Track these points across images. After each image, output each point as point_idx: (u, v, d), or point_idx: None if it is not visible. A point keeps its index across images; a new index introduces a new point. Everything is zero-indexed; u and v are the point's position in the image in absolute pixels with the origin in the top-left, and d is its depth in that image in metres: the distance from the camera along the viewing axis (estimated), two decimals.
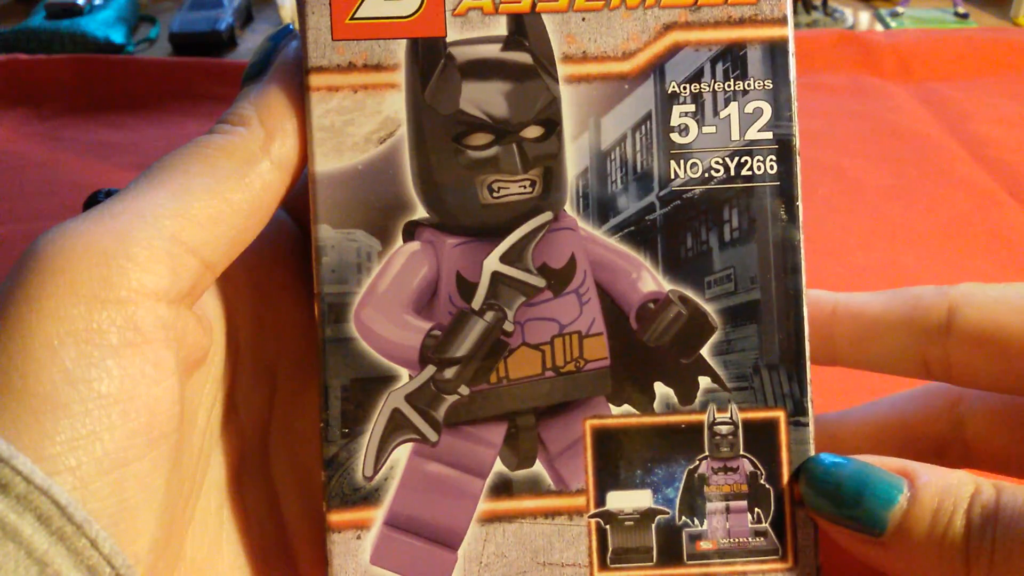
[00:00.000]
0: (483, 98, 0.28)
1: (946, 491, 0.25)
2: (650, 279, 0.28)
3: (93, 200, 0.53)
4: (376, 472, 0.28)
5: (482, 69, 0.28)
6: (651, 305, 0.28)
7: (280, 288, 0.31)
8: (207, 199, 0.25)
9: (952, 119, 0.71)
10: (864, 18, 0.98)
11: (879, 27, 0.96)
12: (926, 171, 0.64)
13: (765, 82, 0.28)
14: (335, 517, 0.28)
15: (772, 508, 0.28)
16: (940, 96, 0.74)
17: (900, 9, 0.96)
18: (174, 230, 0.24)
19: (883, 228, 0.58)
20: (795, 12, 0.94)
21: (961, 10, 0.95)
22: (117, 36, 0.91)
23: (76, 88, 0.78)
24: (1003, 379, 0.29)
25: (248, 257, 0.29)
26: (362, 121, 0.28)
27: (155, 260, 0.24)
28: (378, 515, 0.28)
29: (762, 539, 0.28)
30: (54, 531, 0.21)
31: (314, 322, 0.32)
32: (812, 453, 0.28)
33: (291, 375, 0.31)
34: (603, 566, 0.28)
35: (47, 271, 0.22)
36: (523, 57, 0.28)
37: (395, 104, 0.28)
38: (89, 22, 0.90)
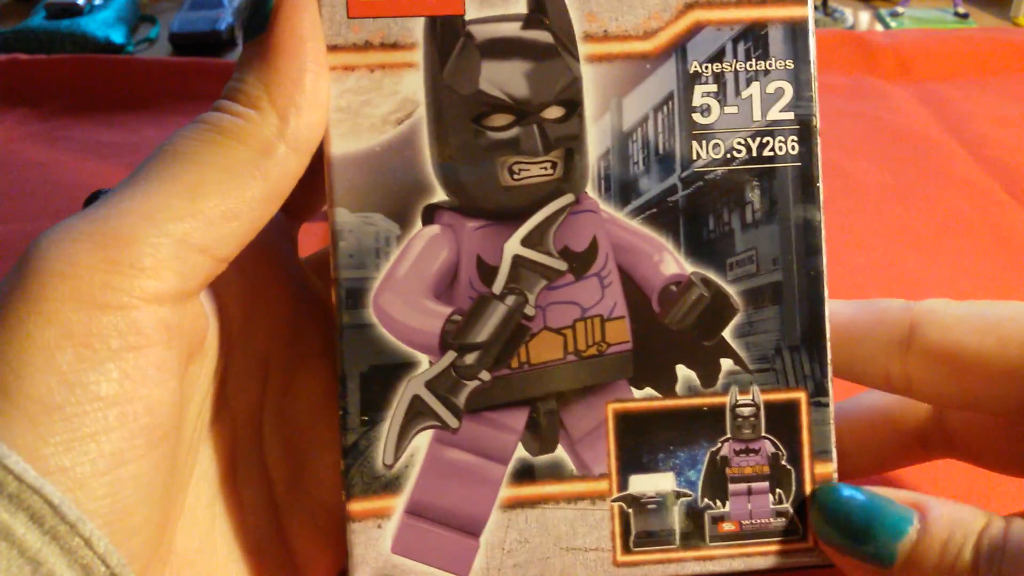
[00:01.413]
0: (503, 78, 0.27)
1: (957, 524, 0.25)
2: (672, 261, 0.28)
3: (94, 200, 0.51)
4: (396, 460, 0.27)
5: (502, 48, 0.27)
6: (673, 288, 0.28)
7: (269, 280, 0.30)
8: (222, 197, 0.24)
9: (952, 119, 0.70)
10: (864, 18, 0.97)
11: (879, 27, 0.95)
12: (926, 171, 0.64)
13: (786, 62, 0.28)
14: (355, 506, 0.27)
15: (793, 489, 0.28)
16: (940, 96, 0.73)
17: (900, 9, 0.95)
18: (184, 233, 0.23)
19: (883, 228, 0.58)
20: None
21: (961, 10, 0.95)
22: (117, 36, 0.89)
23: (76, 88, 0.76)
24: (961, 397, 0.29)
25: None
26: (379, 102, 0.27)
27: (162, 266, 0.23)
28: (399, 503, 0.27)
29: (784, 520, 0.28)
30: (47, 530, 0.21)
31: (301, 314, 0.31)
32: (832, 434, 0.28)
33: (282, 367, 0.31)
34: (626, 550, 0.28)
35: (48, 274, 0.22)
36: (543, 36, 0.27)
37: (413, 84, 0.27)
38: (89, 22, 0.89)
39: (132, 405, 0.22)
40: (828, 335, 0.28)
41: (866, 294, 0.31)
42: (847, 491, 0.27)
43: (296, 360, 0.31)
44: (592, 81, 0.27)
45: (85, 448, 0.22)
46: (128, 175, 0.25)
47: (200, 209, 0.24)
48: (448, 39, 0.27)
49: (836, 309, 0.30)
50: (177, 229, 0.23)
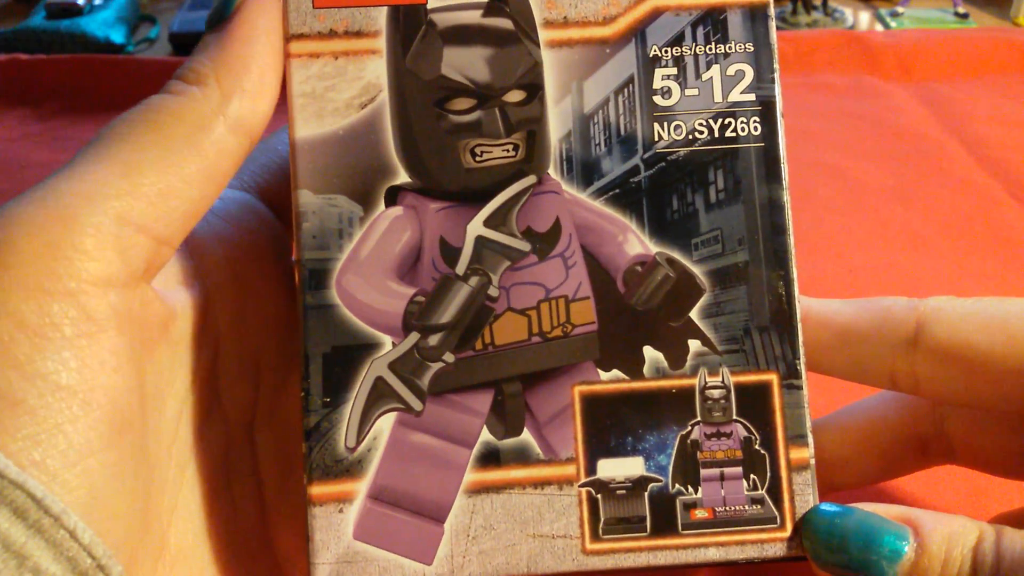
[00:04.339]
0: (465, 63, 0.28)
1: (952, 539, 0.25)
2: (636, 242, 0.28)
3: None
4: (359, 443, 0.27)
5: (463, 35, 0.28)
6: (638, 268, 0.28)
7: (261, 282, 0.30)
8: (156, 173, 0.24)
9: (952, 119, 0.70)
10: (864, 18, 0.97)
11: (879, 27, 0.95)
12: (926, 171, 0.64)
13: (746, 45, 0.28)
14: (316, 490, 0.27)
15: (768, 474, 0.27)
16: (940, 96, 0.73)
17: (900, 9, 0.95)
18: (121, 211, 0.23)
19: (883, 228, 0.58)
20: (795, 12, 0.93)
21: (961, 10, 0.95)
22: (117, 36, 0.90)
23: (76, 88, 0.77)
24: (969, 395, 0.28)
25: (227, 249, 0.29)
26: (343, 87, 0.27)
27: (103, 246, 0.23)
28: (361, 488, 0.27)
29: (759, 507, 0.27)
30: (31, 524, 0.21)
31: (294, 315, 0.31)
32: (808, 418, 0.27)
33: (276, 366, 0.31)
34: (595, 537, 0.27)
35: None
36: (504, 23, 0.28)
37: (376, 70, 0.28)
38: (89, 22, 0.89)
39: (93, 393, 0.22)
40: (799, 317, 0.28)
41: (866, 294, 0.30)
42: (839, 511, 0.26)
43: (289, 360, 0.31)
44: (553, 65, 0.28)
45: (54, 440, 0.21)
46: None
47: (137, 186, 0.24)
48: (410, 26, 0.28)
49: (838, 309, 0.29)
50: (116, 207, 0.23)
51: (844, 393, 0.33)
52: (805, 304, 0.29)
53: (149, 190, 0.24)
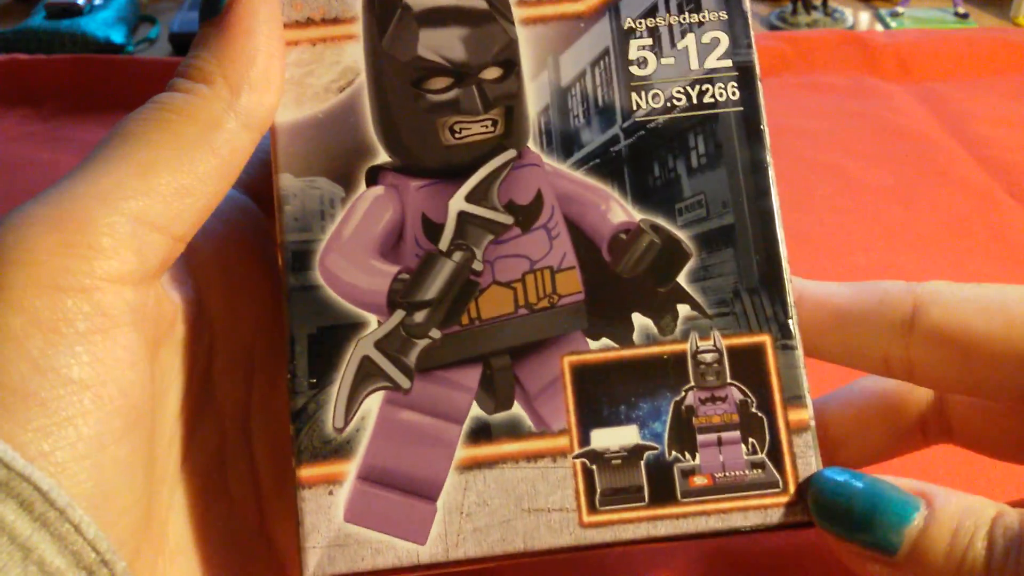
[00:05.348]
0: (441, 43, 0.28)
1: (966, 513, 0.24)
2: (620, 210, 0.27)
3: None
4: (347, 423, 0.26)
5: (438, 16, 0.28)
6: (623, 235, 0.27)
7: (252, 277, 0.30)
8: (172, 173, 0.24)
9: (952, 119, 0.70)
10: (864, 18, 0.97)
11: (879, 27, 0.95)
12: (926, 171, 0.63)
13: (720, 14, 0.28)
14: (305, 472, 0.26)
15: (767, 437, 0.26)
16: (940, 96, 0.73)
17: (900, 9, 0.95)
18: (138, 211, 0.24)
19: (883, 228, 0.58)
20: (795, 12, 0.93)
21: (961, 10, 0.95)
22: (117, 36, 0.90)
23: (76, 88, 0.76)
24: (964, 382, 0.28)
25: (217, 244, 0.29)
26: (321, 72, 0.28)
27: (120, 246, 0.23)
28: (351, 469, 0.26)
29: (759, 471, 0.26)
30: (37, 516, 0.21)
31: (281, 292, 0.31)
32: (804, 379, 0.27)
33: (268, 359, 0.31)
34: (592, 509, 0.26)
35: (7, 263, 0.22)
36: (478, 3, 0.28)
37: (354, 54, 0.28)
38: (89, 22, 0.89)
39: (105, 388, 0.22)
40: (788, 277, 0.27)
41: None
42: (847, 476, 0.26)
43: (282, 354, 0.30)
44: (528, 42, 0.28)
45: (63, 433, 0.22)
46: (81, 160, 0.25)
47: (153, 187, 0.24)
48: (386, 11, 0.28)
49: (835, 291, 0.29)
50: (132, 208, 0.23)
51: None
52: (800, 285, 0.29)
53: (165, 190, 0.24)
